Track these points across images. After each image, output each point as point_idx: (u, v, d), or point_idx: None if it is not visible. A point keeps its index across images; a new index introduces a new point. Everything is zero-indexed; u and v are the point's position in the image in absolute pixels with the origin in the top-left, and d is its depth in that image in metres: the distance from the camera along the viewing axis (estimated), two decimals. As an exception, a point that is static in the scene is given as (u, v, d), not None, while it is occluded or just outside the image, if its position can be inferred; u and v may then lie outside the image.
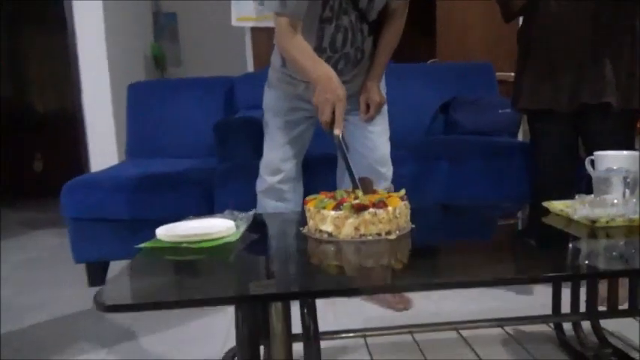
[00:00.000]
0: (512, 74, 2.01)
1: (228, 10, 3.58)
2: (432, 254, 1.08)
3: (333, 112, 1.44)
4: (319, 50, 1.64)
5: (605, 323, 1.59)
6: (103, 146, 3.60)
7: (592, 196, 1.22)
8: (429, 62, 3.36)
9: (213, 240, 1.09)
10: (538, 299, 1.92)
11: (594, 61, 1.74)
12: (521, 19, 1.97)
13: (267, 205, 1.89)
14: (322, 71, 1.51)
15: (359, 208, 1.08)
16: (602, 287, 1.54)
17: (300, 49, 1.57)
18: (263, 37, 3.41)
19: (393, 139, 1.94)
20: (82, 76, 3.69)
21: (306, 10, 1.56)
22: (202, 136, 2.73)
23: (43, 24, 5.18)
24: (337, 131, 1.42)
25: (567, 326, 1.63)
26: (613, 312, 1.50)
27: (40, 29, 5.32)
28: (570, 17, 1.74)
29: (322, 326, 1.25)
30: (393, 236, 1.09)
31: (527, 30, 1.89)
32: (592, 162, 1.36)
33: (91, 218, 2.22)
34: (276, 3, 1.54)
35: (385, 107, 1.89)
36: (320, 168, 2.05)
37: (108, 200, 2.18)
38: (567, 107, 1.79)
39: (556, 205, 1.29)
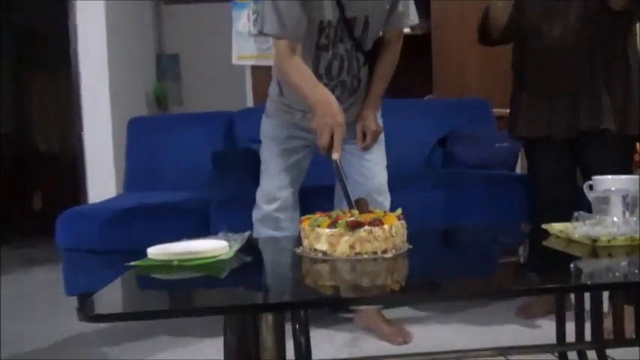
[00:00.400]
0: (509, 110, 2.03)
1: (229, 49, 3.66)
2: (430, 272, 1.06)
3: (332, 137, 1.44)
4: (316, 77, 1.66)
5: (611, 353, 1.54)
6: (102, 185, 3.61)
7: (591, 215, 1.20)
8: (425, 98, 3.40)
9: (205, 258, 1.07)
10: (541, 331, 1.87)
11: (589, 88, 1.76)
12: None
13: (263, 233, 1.87)
14: (321, 96, 1.53)
15: (354, 226, 1.06)
16: (608, 320, 1.49)
17: (300, 72, 1.59)
18: (263, 75, 3.45)
19: (391, 172, 1.94)
20: (85, 114, 3.74)
21: (304, 36, 1.59)
22: (201, 169, 2.72)
23: (48, 63, 5.29)
24: (335, 156, 1.42)
25: (572, 356, 1.57)
26: (619, 341, 1.45)
27: (44, 68, 5.43)
28: (563, 45, 1.77)
29: (318, 356, 1.20)
30: (389, 255, 1.07)
31: (520, 59, 1.92)
32: (590, 187, 1.35)
33: (85, 249, 2.19)
34: (275, 26, 1.57)
35: (382, 136, 1.89)
36: (317, 198, 2.02)
37: (102, 230, 2.16)
38: (565, 135, 1.80)
39: (555, 227, 1.27)
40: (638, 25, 1.88)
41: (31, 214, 5.20)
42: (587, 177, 1.43)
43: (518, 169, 2.99)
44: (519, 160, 2.85)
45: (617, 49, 1.76)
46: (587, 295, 1.44)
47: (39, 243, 4.36)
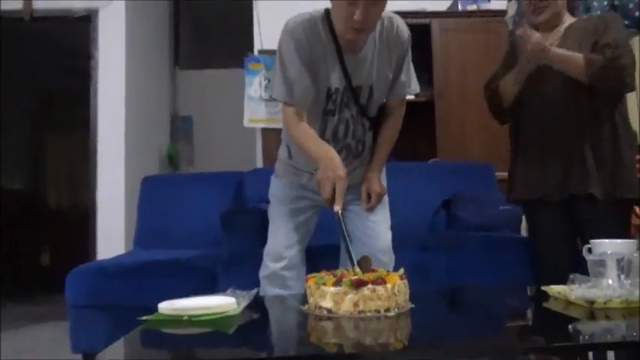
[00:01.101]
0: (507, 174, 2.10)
1: (241, 113, 3.81)
2: (432, 331, 1.09)
3: (334, 190, 1.52)
4: (323, 140, 1.75)
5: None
6: (112, 242, 3.66)
7: (587, 277, 1.24)
8: (429, 161, 3.49)
9: (214, 314, 1.11)
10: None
11: (577, 154, 1.82)
12: None
13: (269, 291, 1.89)
14: (324, 152, 1.62)
15: (358, 284, 1.11)
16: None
17: (305, 133, 1.70)
18: (272, 137, 3.59)
19: (395, 234, 1.98)
20: (99, 173, 3.86)
21: (311, 102, 1.69)
22: (210, 228, 2.77)
23: (66, 123, 5.50)
24: (337, 207, 1.50)
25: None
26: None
27: (62, 127, 5.64)
28: (552, 113, 1.85)
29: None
30: (392, 313, 1.11)
31: (515, 126, 2.01)
32: (589, 250, 1.39)
33: (94, 305, 2.21)
34: (284, 93, 1.68)
35: (386, 198, 1.95)
36: (323, 257, 2.06)
37: (113, 286, 2.19)
38: (558, 197, 1.86)
39: (554, 289, 1.30)
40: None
41: (38, 270, 5.22)
42: (583, 240, 1.47)
43: (524, 232, 3.02)
44: (524, 222, 2.89)
45: (604, 115, 1.83)
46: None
47: (45, 299, 4.37)
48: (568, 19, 1.95)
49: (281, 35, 1.69)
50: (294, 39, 1.65)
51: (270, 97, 1.96)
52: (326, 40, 1.68)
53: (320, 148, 1.64)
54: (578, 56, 1.77)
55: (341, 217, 1.47)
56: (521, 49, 1.84)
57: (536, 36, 1.76)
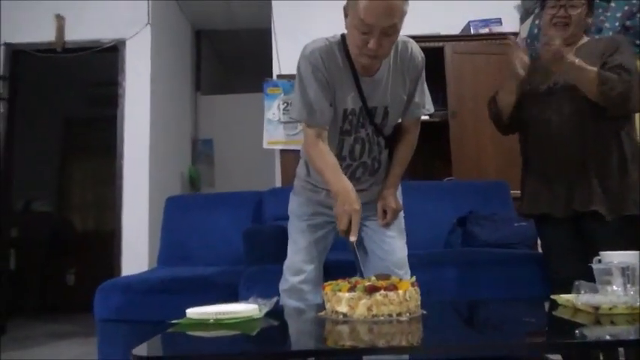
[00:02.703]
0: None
1: (260, 135, 3.94)
2: (442, 333, 1.15)
3: (350, 222, 1.64)
4: (339, 158, 1.84)
5: None
6: (136, 263, 3.77)
7: (592, 285, 1.29)
8: (445, 180, 3.55)
9: (238, 317, 1.19)
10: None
11: (582, 174, 1.87)
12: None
13: (288, 304, 1.96)
14: (341, 185, 1.72)
15: (371, 290, 1.18)
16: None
17: (325, 160, 1.78)
18: (290, 158, 3.70)
19: (411, 251, 2.04)
20: (125, 195, 4.01)
21: (329, 122, 1.78)
22: (231, 246, 2.86)
23: (93, 148, 5.70)
24: (352, 238, 1.63)
25: None
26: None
27: (89, 152, 5.85)
28: (559, 135, 1.90)
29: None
30: (404, 318, 1.17)
31: (524, 146, 2.08)
32: (599, 261, 1.44)
33: (121, 320, 2.30)
34: (304, 114, 1.77)
35: (401, 213, 2.02)
36: (340, 271, 2.12)
37: (139, 301, 2.28)
38: (563, 214, 1.90)
39: (562, 298, 1.36)
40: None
41: (64, 290, 5.36)
42: (594, 256, 1.50)
43: (539, 249, 3.04)
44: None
45: (609, 135, 1.88)
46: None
47: (70, 319, 4.48)
48: (582, 40, 1.99)
49: (299, 60, 1.78)
50: (312, 63, 1.74)
51: (291, 118, 2.06)
52: (342, 64, 1.76)
53: (337, 181, 1.72)
54: (593, 70, 1.80)
55: (355, 246, 1.60)
56: (542, 52, 1.86)
57: (559, 42, 1.80)
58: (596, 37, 2.46)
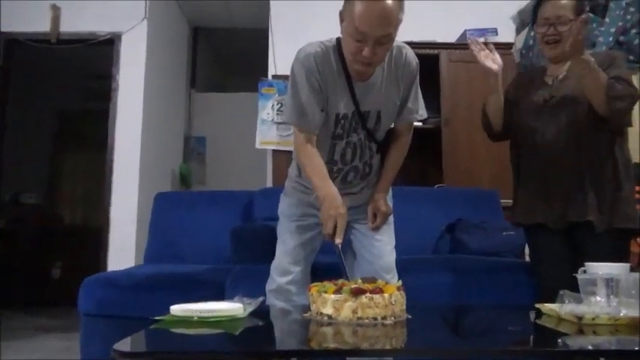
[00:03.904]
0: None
1: (253, 135, 3.93)
2: (426, 337, 1.15)
3: (335, 226, 1.67)
4: (331, 162, 1.85)
5: None
6: (122, 258, 3.75)
7: (577, 295, 1.30)
8: (435, 187, 3.56)
9: (222, 316, 1.19)
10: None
11: (577, 186, 1.88)
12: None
13: (274, 304, 1.95)
14: (327, 191, 1.74)
15: (357, 292, 1.18)
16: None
17: (313, 164, 1.79)
18: (283, 159, 3.70)
19: (400, 256, 2.04)
20: (114, 190, 3.98)
21: (321, 126, 1.79)
22: (219, 244, 2.85)
23: (84, 142, 5.67)
24: (338, 241, 1.66)
25: None
26: None
27: (80, 146, 5.81)
28: (553, 147, 1.91)
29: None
30: (388, 321, 1.17)
31: (516, 156, 2.09)
32: (585, 272, 1.45)
33: (105, 315, 2.28)
34: (295, 117, 1.78)
35: (391, 218, 2.02)
36: (327, 274, 2.13)
37: (124, 296, 2.26)
38: (558, 224, 1.92)
39: (546, 306, 1.36)
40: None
41: (49, 283, 5.31)
42: (582, 266, 1.51)
43: (527, 258, 3.05)
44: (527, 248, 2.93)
45: (604, 149, 1.89)
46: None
47: (55, 313, 4.45)
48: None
49: (294, 62, 1.78)
50: (306, 67, 1.74)
51: (283, 120, 2.07)
52: (336, 69, 1.76)
53: (323, 186, 1.75)
54: (604, 75, 1.79)
55: (340, 249, 1.64)
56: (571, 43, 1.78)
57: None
58: (589, 52, 2.48)
